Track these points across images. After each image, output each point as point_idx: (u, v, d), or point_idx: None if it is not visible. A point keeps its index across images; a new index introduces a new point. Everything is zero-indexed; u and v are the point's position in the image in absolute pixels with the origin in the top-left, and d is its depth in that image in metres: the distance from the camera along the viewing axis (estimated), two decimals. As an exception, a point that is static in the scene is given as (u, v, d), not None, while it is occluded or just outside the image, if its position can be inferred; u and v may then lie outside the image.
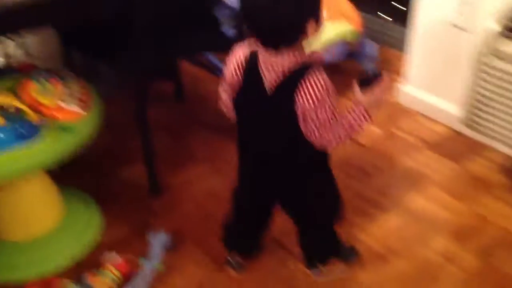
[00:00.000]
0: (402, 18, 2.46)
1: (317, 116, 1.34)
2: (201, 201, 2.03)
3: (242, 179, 1.60)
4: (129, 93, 1.94)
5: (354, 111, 1.38)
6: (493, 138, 1.97)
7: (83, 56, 2.15)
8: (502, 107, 1.88)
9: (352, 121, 1.38)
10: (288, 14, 1.25)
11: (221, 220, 1.78)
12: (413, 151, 2.22)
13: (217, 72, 2.64)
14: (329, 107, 1.33)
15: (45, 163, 1.58)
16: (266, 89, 1.36)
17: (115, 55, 1.93)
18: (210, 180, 2.11)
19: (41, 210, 1.79)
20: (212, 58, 2.67)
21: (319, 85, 1.31)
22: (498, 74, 1.84)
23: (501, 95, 1.86)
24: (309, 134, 1.38)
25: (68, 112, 1.62)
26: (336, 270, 1.75)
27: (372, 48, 2.55)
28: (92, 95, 1.74)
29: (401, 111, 2.43)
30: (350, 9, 2.50)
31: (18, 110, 1.56)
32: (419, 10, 2.26)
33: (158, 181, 2.04)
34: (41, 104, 1.60)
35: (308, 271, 1.75)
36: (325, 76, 1.33)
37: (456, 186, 2.05)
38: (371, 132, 2.29)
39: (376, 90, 1.39)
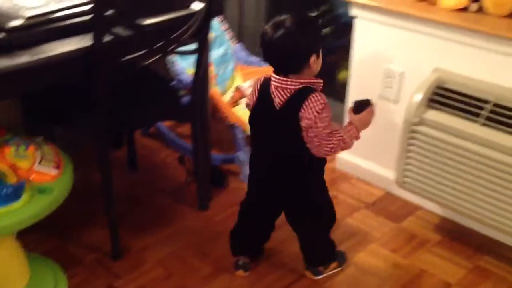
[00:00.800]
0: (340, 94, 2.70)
1: (316, 126, 1.69)
2: (162, 262, 2.09)
3: (250, 187, 1.94)
4: (86, 158, 2.01)
5: (347, 128, 1.77)
6: (423, 196, 2.19)
7: (40, 122, 2.19)
8: (428, 168, 2.10)
9: (345, 136, 1.75)
10: (294, 52, 1.66)
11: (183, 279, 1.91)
12: (354, 212, 2.40)
13: (167, 141, 2.74)
14: (325, 120, 1.70)
15: (23, 224, 1.61)
16: (275, 104, 1.72)
17: (72, 120, 1.99)
18: (170, 244, 2.18)
19: (7, 273, 1.78)
20: (163, 127, 2.78)
21: (319, 102, 1.68)
22: (424, 139, 2.07)
23: (428, 158, 2.08)
24: (309, 141, 1.72)
25: (44, 174, 1.69)
26: (331, 269, 2.05)
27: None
28: (63, 157, 1.82)
29: (340, 176, 2.62)
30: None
31: (-1, 173, 1.61)
32: (351, 85, 2.50)
33: (120, 245, 2.08)
34: (18, 167, 1.65)
35: (307, 272, 2.03)
36: (323, 96, 1.71)
37: (395, 242, 2.23)
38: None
39: (365, 114, 1.78)
